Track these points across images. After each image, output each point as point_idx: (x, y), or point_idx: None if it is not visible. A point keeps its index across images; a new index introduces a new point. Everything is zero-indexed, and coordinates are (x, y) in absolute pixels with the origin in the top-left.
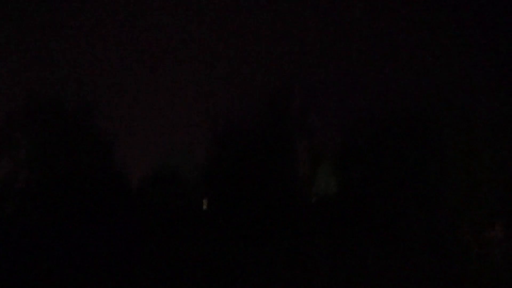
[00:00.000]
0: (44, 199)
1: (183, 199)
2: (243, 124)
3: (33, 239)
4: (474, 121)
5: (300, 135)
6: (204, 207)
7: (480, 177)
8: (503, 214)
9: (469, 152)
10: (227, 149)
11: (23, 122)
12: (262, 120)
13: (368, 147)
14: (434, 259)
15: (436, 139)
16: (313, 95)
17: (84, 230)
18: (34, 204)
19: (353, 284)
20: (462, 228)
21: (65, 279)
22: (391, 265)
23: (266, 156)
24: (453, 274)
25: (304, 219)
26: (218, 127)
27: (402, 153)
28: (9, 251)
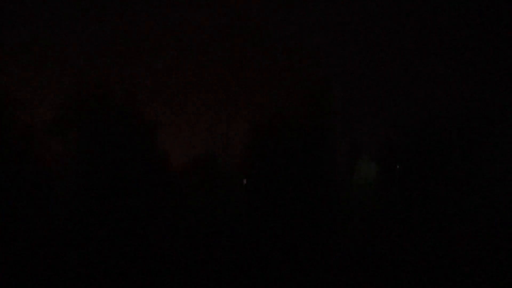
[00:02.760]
0: (92, 179)
1: (223, 180)
2: (284, 115)
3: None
4: None
5: (340, 126)
6: (244, 182)
7: None
8: None
9: None
10: (267, 137)
11: (75, 108)
12: (303, 112)
13: (411, 141)
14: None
15: (483, 142)
16: (355, 87)
17: (127, 210)
18: (84, 181)
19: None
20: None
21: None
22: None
23: (306, 146)
24: None
25: (343, 208)
26: (259, 118)
27: (447, 152)
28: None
